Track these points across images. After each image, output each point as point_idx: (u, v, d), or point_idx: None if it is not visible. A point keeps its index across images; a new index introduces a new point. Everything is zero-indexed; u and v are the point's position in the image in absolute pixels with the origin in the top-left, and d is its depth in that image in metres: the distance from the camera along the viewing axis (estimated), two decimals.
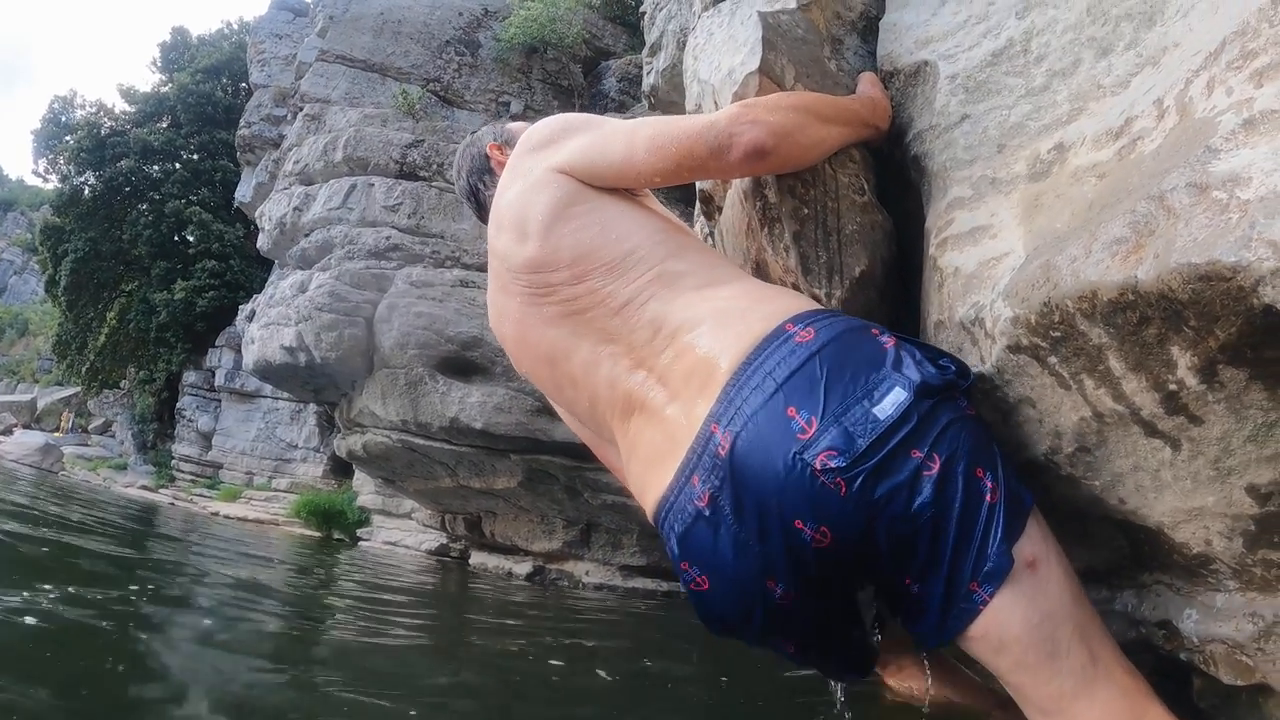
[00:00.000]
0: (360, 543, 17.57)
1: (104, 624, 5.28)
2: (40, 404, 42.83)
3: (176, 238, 28.68)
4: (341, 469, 20.63)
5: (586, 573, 12.99)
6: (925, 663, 1.76)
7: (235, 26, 34.64)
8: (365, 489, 18.13)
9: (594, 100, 17.66)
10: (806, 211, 1.76)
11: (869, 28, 2.24)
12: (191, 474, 25.82)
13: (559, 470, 11.39)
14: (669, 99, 5.39)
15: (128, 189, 29.16)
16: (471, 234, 13.00)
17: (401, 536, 16.78)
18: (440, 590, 11.88)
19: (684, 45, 4.68)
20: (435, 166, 13.82)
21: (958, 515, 1.30)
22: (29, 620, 4.55)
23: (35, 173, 35.25)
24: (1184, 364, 1.16)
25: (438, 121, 15.69)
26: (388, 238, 13.02)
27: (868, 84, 1.97)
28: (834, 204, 1.77)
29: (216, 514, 20.99)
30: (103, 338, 29.32)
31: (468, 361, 11.59)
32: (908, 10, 2.11)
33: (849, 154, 1.83)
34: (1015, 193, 1.57)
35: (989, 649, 1.36)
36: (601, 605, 10.92)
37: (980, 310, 1.46)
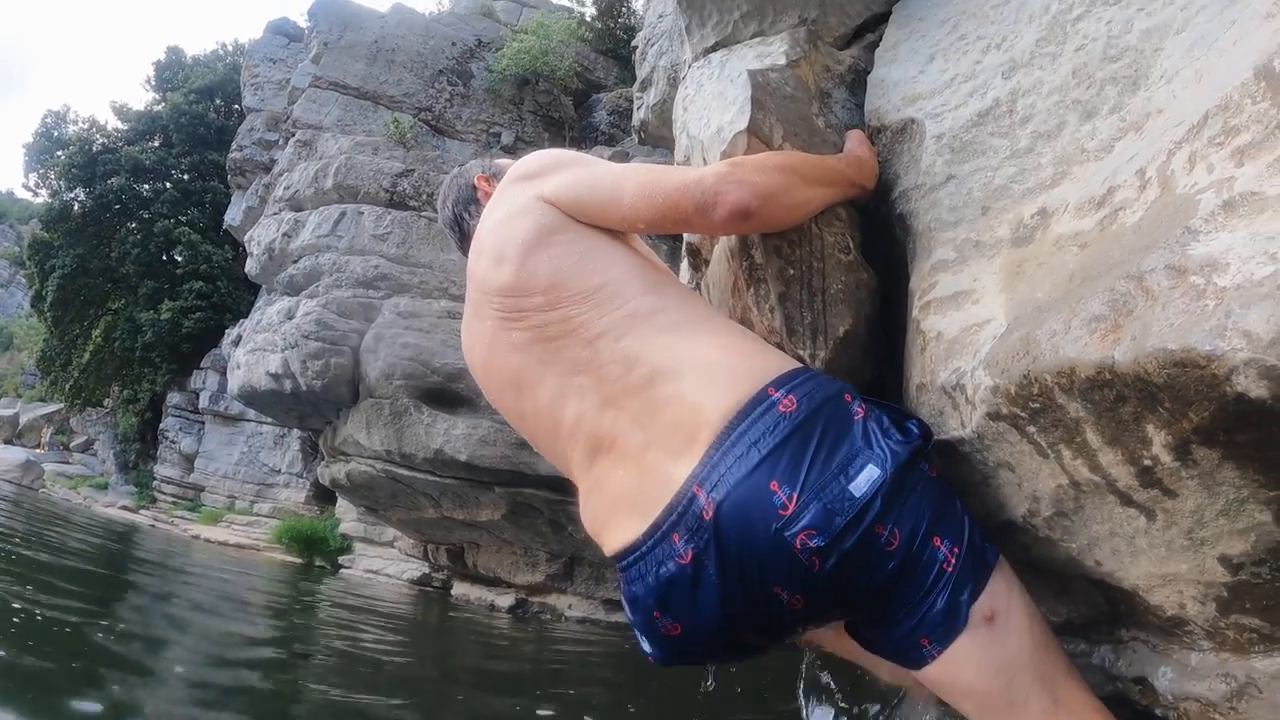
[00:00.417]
0: (342, 570, 17.46)
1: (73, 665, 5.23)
2: (23, 419, 42.53)
3: (165, 257, 28.63)
4: (324, 495, 20.52)
5: (569, 606, 12.94)
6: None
7: (230, 48, 34.74)
8: (348, 516, 18.04)
9: (584, 133, 17.77)
10: (792, 272, 1.75)
11: (857, 81, 2.24)
12: (173, 495, 25.64)
13: (543, 504, 11.36)
14: (659, 134, 5.40)
15: (117, 207, 29.13)
16: (460, 265, 12.89)
17: (383, 565, 16.69)
18: (421, 624, 11.80)
19: (674, 81, 4.70)
20: (425, 196, 13.84)
21: (912, 583, 1.38)
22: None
23: (25, 186, 35.22)
24: (1159, 441, 1.16)
25: (428, 151, 15.74)
26: (376, 266, 13.03)
27: (855, 142, 1.96)
28: (819, 264, 1.77)
29: (197, 537, 20.84)
30: (87, 355, 29.21)
31: (453, 393, 11.56)
32: (896, 66, 2.11)
33: (835, 212, 1.83)
34: (998, 257, 1.56)
35: (947, 694, 1.46)
36: (587, 642, 10.85)
37: (961, 376, 1.46)
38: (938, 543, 1.38)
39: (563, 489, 10.80)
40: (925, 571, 1.37)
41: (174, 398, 26.91)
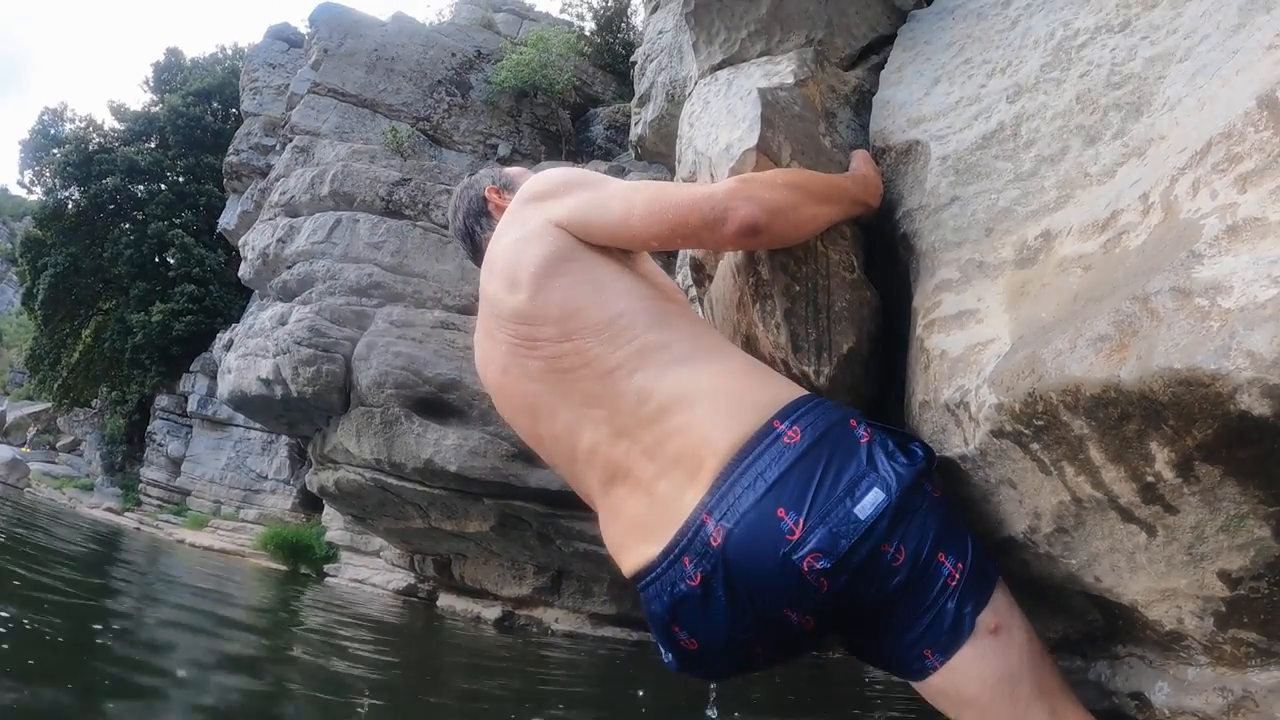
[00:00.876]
0: (327, 578, 17.36)
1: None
2: (10, 417, 42.28)
3: (157, 259, 28.51)
4: (311, 502, 20.42)
5: (556, 620, 12.88)
6: None
7: (229, 51, 34.66)
8: (334, 524, 17.94)
9: (580, 147, 17.80)
10: (798, 289, 1.78)
11: (862, 101, 2.27)
12: (159, 499, 25.49)
13: (532, 516, 11.32)
14: (656, 149, 5.43)
15: (111, 207, 29.05)
16: (454, 275, 12.99)
17: (369, 574, 16.59)
18: (406, 636, 11.75)
19: (673, 97, 4.73)
20: (421, 206, 13.82)
21: (916, 596, 1.43)
22: None
23: (20, 183, 35.14)
24: (1162, 458, 1.19)
25: (425, 161, 15.74)
26: (370, 275, 12.99)
27: (860, 161, 2.00)
28: (824, 281, 1.80)
29: (182, 541, 20.71)
30: (77, 355, 29.08)
31: (445, 404, 11.52)
32: (901, 88, 2.14)
33: (840, 230, 1.86)
34: (1002, 278, 1.59)
35: (949, 704, 1.49)
36: (573, 662, 10.81)
37: (965, 394, 1.49)
38: (942, 558, 1.43)
39: (552, 501, 10.79)
40: (930, 585, 1.42)
41: (162, 400, 26.78)
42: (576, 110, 18.83)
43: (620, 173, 13.01)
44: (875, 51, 2.39)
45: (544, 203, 1.75)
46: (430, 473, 11.42)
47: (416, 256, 13.39)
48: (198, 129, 30.21)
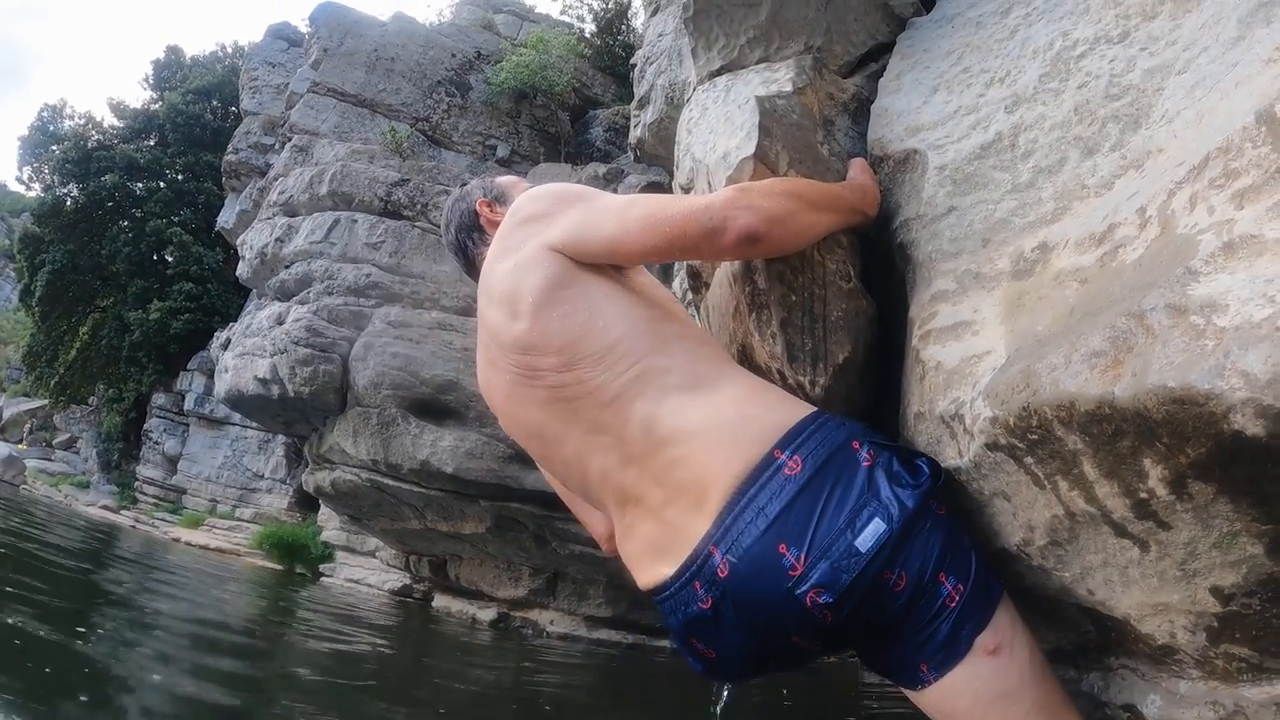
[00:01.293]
0: (323, 578, 17.34)
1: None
2: (6, 414, 42.24)
3: (155, 257, 28.47)
4: (307, 502, 20.43)
5: (551, 622, 12.89)
6: None
7: (229, 50, 34.66)
8: (330, 524, 17.94)
9: (580, 148, 17.80)
10: (794, 298, 1.77)
11: (860, 109, 2.26)
12: (154, 497, 25.47)
13: (528, 518, 11.32)
14: (655, 152, 5.42)
15: (110, 204, 29.01)
16: (452, 277, 12.98)
17: (365, 574, 16.58)
18: (403, 635, 11.73)
19: (673, 100, 4.73)
20: (419, 206, 13.83)
21: (915, 615, 1.44)
22: None
23: (18, 179, 35.14)
24: (1155, 475, 1.19)
25: (424, 161, 15.74)
26: (368, 275, 13.00)
27: (858, 170, 1.99)
28: (821, 290, 1.79)
29: (178, 540, 20.67)
30: (74, 352, 29.06)
31: (442, 405, 11.52)
32: (899, 96, 2.13)
33: (837, 240, 1.85)
34: (998, 289, 1.58)
35: (944, 718, 1.50)
36: (568, 665, 10.80)
37: (960, 406, 1.48)
38: (943, 579, 1.43)
39: (549, 503, 10.78)
40: (928, 605, 1.43)
41: (159, 399, 26.76)
42: (576, 112, 18.83)
43: (619, 175, 13.01)
44: (874, 59, 2.37)
45: (535, 224, 1.74)
46: (427, 474, 11.43)
47: (414, 257, 13.39)
48: (197, 127, 30.19)
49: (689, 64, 4.21)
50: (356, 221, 13.64)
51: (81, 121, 32.58)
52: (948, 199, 1.81)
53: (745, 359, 1.87)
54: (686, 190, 2.25)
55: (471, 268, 2.16)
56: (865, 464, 1.47)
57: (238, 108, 26.80)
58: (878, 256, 1.98)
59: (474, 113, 17.91)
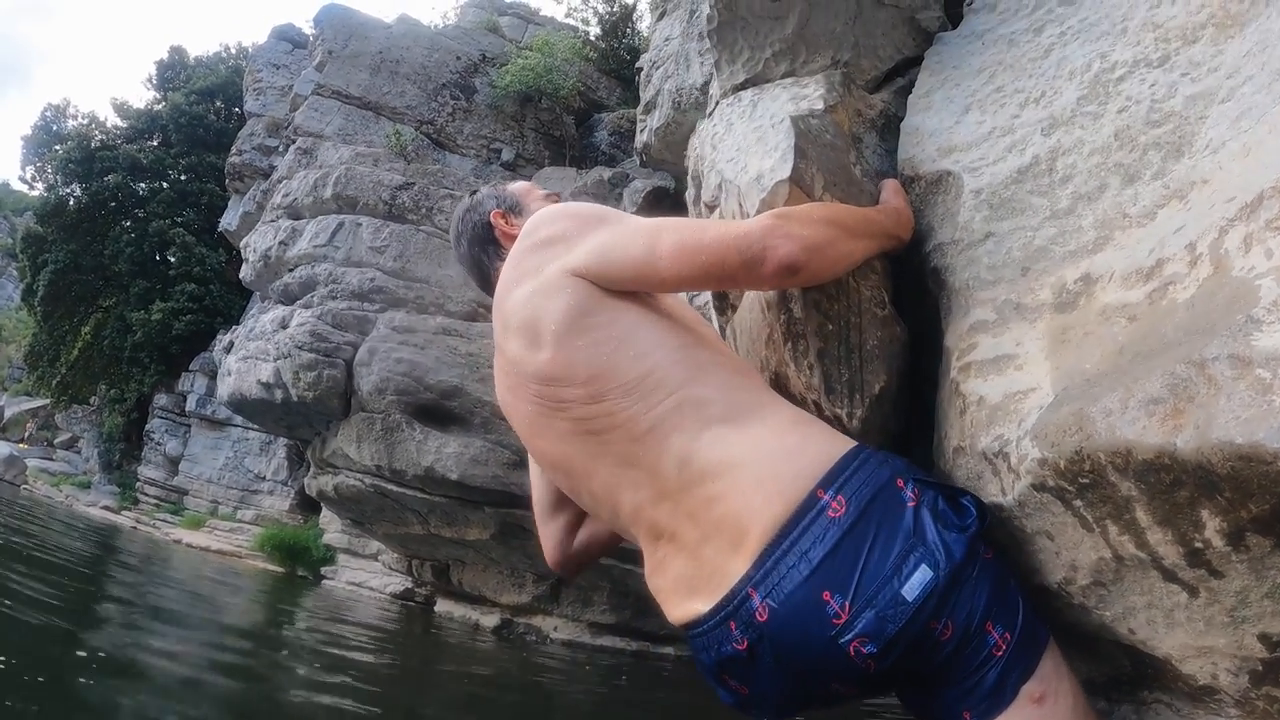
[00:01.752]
0: (324, 581, 17.35)
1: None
2: (8, 413, 42.27)
3: (158, 258, 28.51)
4: (308, 504, 20.40)
5: (555, 628, 12.87)
6: None
7: (233, 51, 34.73)
8: (332, 526, 17.93)
9: (585, 152, 17.81)
10: (831, 327, 1.72)
11: (888, 126, 2.21)
12: (156, 498, 25.47)
13: (533, 525, 11.16)
14: (661, 157, 5.42)
15: (113, 204, 29.07)
16: (456, 281, 12.96)
17: (366, 578, 16.58)
18: (405, 641, 11.71)
19: (679, 105, 4.70)
20: (424, 210, 13.81)
21: (960, 663, 1.39)
22: None
23: (22, 178, 35.17)
24: (1212, 526, 1.16)
25: (429, 164, 15.74)
26: (372, 279, 12.99)
27: (891, 192, 1.93)
28: (856, 319, 1.74)
29: (179, 541, 20.69)
30: (76, 352, 29.10)
31: (446, 411, 11.49)
32: (930, 115, 2.08)
33: (871, 265, 1.80)
34: (1041, 322, 1.54)
35: None
36: (572, 672, 10.77)
37: (1005, 444, 1.44)
38: (990, 628, 1.38)
39: None
40: (975, 654, 1.38)
41: (161, 399, 26.78)
42: (581, 116, 18.83)
43: (624, 179, 12.99)
44: (900, 74, 2.33)
45: (554, 247, 1.66)
46: (431, 480, 11.40)
47: (419, 261, 13.38)
48: (200, 128, 30.23)
49: (696, 69, 4.16)
50: (361, 225, 13.63)
51: (85, 121, 32.66)
52: (985, 224, 1.76)
53: (779, 388, 1.81)
54: (711, 209, 2.19)
55: (486, 282, 2.07)
56: (910, 504, 1.42)
57: (241, 109, 26.84)
58: (907, 280, 1.94)
59: (479, 116, 17.93)
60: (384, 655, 9.61)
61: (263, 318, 14.08)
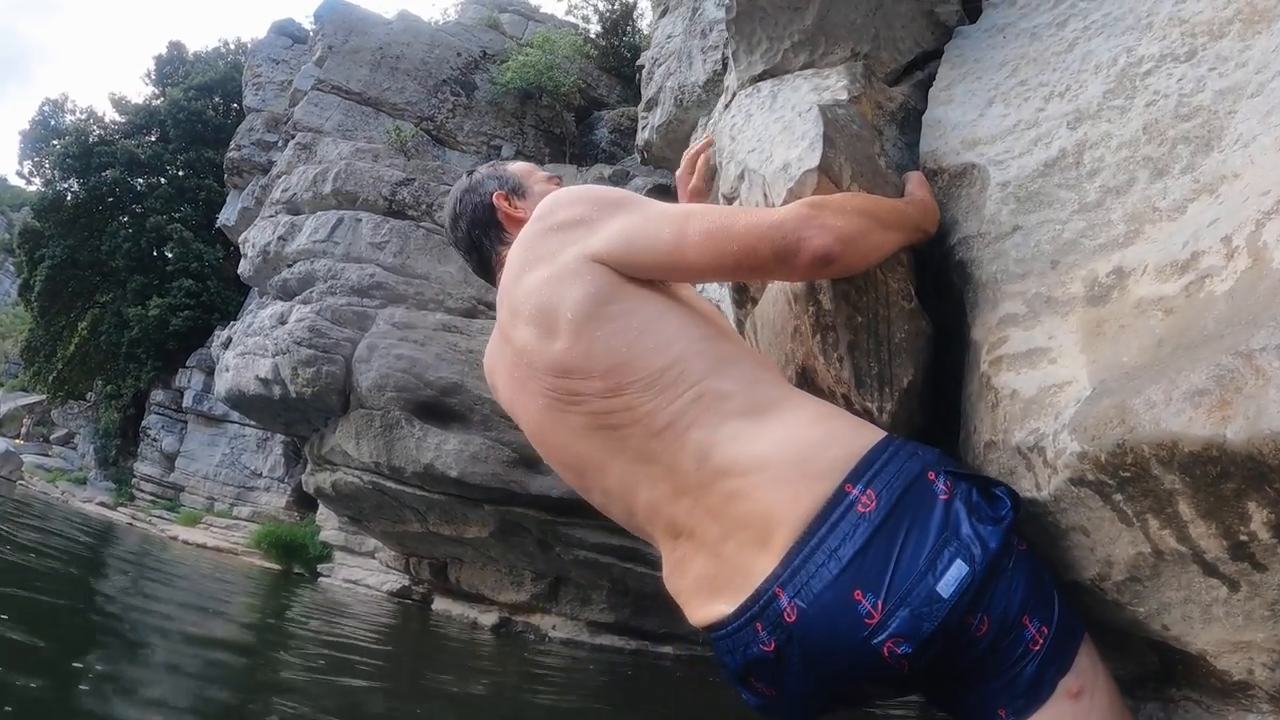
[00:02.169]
0: (321, 579, 17.31)
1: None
2: (3, 409, 42.19)
3: (155, 253, 28.43)
4: (305, 501, 20.37)
5: (553, 627, 12.87)
6: None
7: (232, 46, 34.66)
8: (328, 524, 17.90)
9: (585, 149, 17.82)
10: (860, 320, 1.70)
11: (907, 119, 2.20)
12: (152, 494, 25.41)
13: (532, 523, 11.28)
14: (662, 154, 5.38)
15: (110, 199, 29.00)
16: (456, 278, 12.95)
17: (363, 575, 16.54)
18: (403, 639, 11.69)
19: (681, 102, 4.68)
20: (424, 206, 13.80)
21: (996, 659, 1.35)
22: None
23: (19, 173, 35.11)
24: (1259, 519, 1.15)
25: (429, 161, 15.74)
26: (371, 275, 12.97)
27: (916, 184, 1.91)
28: (885, 311, 1.72)
29: (175, 538, 20.63)
30: (72, 347, 29.02)
31: (446, 408, 11.48)
32: (953, 108, 2.07)
33: (898, 258, 1.78)
34: (1073, 315, 1.52)
35: None
36: (571, 670, 10.76)
37: (1041, 439, 1.43)
38: (1026, 621, 1.35)
39: (554, 509, 10.77)
40: (1011, 649, 1.35)
41: (158, 395, 26.71)
42: (581, 113, 18.84)
43: (625, 176, 12.98)
44: (919, 67, 2.31)
45: (572, 231, 1.59)
46: (430, 477, 11.38)
47: (419, 257, 13.36)
48: (199, 123, 30.15)
49: (699, 67, 4.15)
50: (360, 221, 13.62)
51: (83, 116, 32.62)
52: (1012, 217, 1.74)
53: (805, 383, 1.79)
54: (730, 200, 2.17)
55: (485, 267, 1.99)
56: (943, 497, 1.38)
57: (239, 104, 26.80)
58: (930, 273, 1.92)
59: (479, 112, 17.93)
60: (381, 654, 9.59)
61: (261, 313, 14.07)
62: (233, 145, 22.89)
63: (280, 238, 14.27)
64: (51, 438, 38.11)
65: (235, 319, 20.06)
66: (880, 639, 1.30)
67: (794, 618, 1.35)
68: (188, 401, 25.26)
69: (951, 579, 1.31)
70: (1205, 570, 1.26)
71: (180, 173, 29.99)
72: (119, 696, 5.10)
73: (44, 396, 35.52)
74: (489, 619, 13.21)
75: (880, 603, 1.31)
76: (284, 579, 17.00)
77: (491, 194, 1.98)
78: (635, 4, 20.70)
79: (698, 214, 1.57)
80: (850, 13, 2.17)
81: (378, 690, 7.10)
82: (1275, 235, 1.22)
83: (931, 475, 1.41)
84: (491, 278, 1.97)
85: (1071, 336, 1.50)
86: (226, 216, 22.59)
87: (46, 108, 33.36)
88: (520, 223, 1.84)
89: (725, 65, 3.40)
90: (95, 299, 29.34)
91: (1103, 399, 1.33)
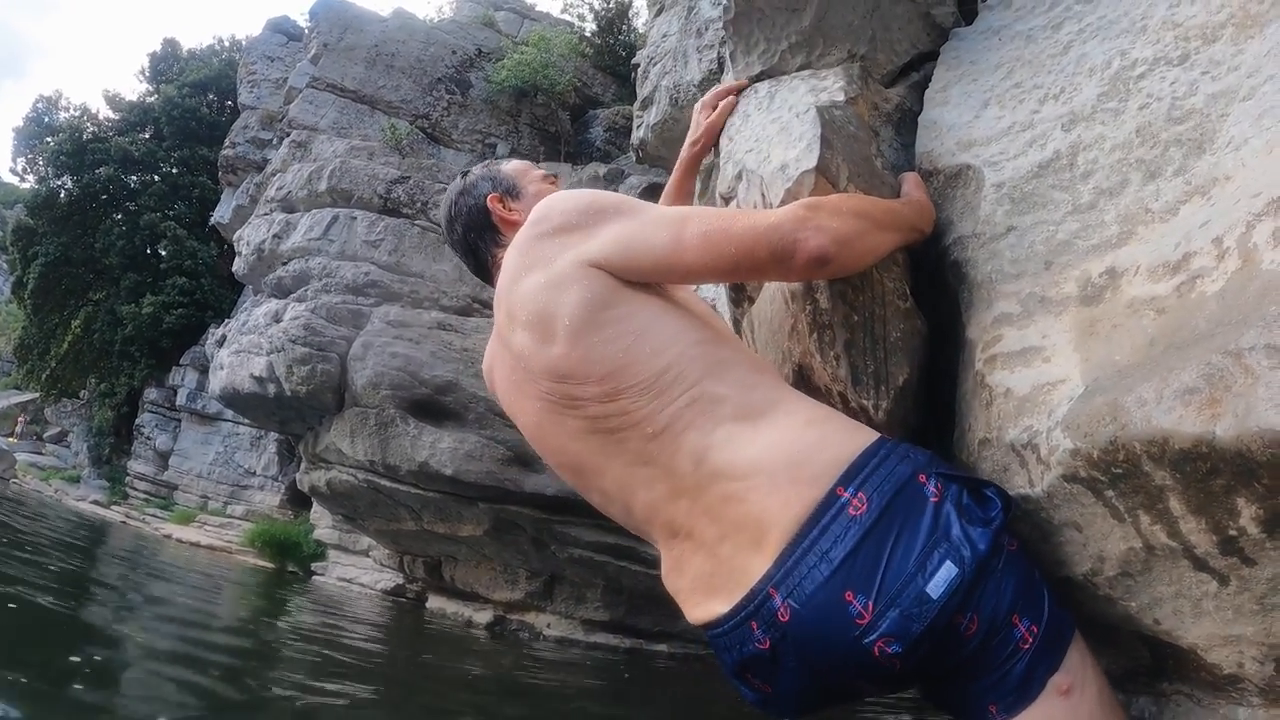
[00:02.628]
0: (315, 577, 17.30)
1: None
2: None
3: (149, 251, 28.37)
4: (299, 499, 20.33)
5: (548, 625, 12.86)
6: None
7: (227, 43, 34.59)
8: (322, 522, 17.89)
9: (580, 148, 17.82)
10: (856, 319, 1.72)
11: (903, 120, 2.22)
12: (145, 493, 25.37)
13: (527, 521, 11.28)
14: (657, 153, 5.39)
15: (104, 197, 28.93)
16: (451, 276, 12.95)
17: (357, 574, 16.53)
18: (396, 637, 11.69)
19: (676, 102, 4.69)
20: (419, 204, 13.79)
21: (986, 657, 1.38)
22: None
23: (12, 170, 35.10)
24: (1248, 514, 1.17)
25: (424, 159, 15.73)
26: (366, 273, 12.96)
27: (912, 185, 1.92)
28: (881, 310, 1.74)
29: (169, 537, 20.62)
30: (66, 345, 28.92)
31: (441, 406, 11.48)
32: (948, 109, 2.08)
33: (894, 257, 1.80)
34: (1066, 315, 1.54)
35: None
36: (568, 667, 10.77)
37: (1034, 436, 1.45)
38: (1016, 620, 1.38)
39: (548, 507, 10.77)
40: (1001, 648, 1.38)
41: (151, 393, 26.66)
42: (576, 111, 18.84)
43: (620, 175, 12.99)
44: (915, 69, 2.33)
45: (569, 236, 1.59)
46: (425, 475, 11.38)
47: (414, 256, 13.36)
48: (193, 120, 30.07)
49: (694, 66, 4.17)
50: (355, 219, 13.61)
51: (77, 113, 32.49)
52: (1006, 218, 1.76)
53: (802, 381, 1.81)
54: (727, 200, 2.19)
55: (482, 269, 2.01)
56: (933, 499, 1.41)
57: (234, 102, 26.72)
58: (925, 273, 1.94)
59: (474, 110, 17.92)
60: (375, 652, 9.59)
61: (256, 311, 14.05)
62: (227, 143, 22.84)
63: (275, 235, 14.26)
64: (45, 436, 38.03)
65: (229, 317, 20.02)
66: (871, 639, 1.33)
67: (787, 617, 1.38)
68: (181, 399, 25.22)
69: (941, 580, 1.33)
70: (1195, 565, 1.28)
71: (174, 170, 29.93)
72: (112, 693, 5.10)
73: (37, 394, 35.45)
74: (483, 617, 13.21)
75: (871, 603, 1.34)
76: (278, 577, 16.99)
77: (486, 196, 1.99)
78: (630, 2, 20.73)
79: (695, 217, 1.59)
80: (848, 14, 2.19)
81: (371, 689, 7.11)
82: (1265, 237, 1.24)
83: (922, 478, 1.43)
84: (489, 278, 1.98)
85: (1065, 336, 1.52)
86: (221, 214, 22.56)
87: (40, 104, 33.29)
88: (515, 225, 1.86)
89: (721, 65, 3.42)
90: (89, 296, 29.25)
91: (1095, 397, 1.35)
